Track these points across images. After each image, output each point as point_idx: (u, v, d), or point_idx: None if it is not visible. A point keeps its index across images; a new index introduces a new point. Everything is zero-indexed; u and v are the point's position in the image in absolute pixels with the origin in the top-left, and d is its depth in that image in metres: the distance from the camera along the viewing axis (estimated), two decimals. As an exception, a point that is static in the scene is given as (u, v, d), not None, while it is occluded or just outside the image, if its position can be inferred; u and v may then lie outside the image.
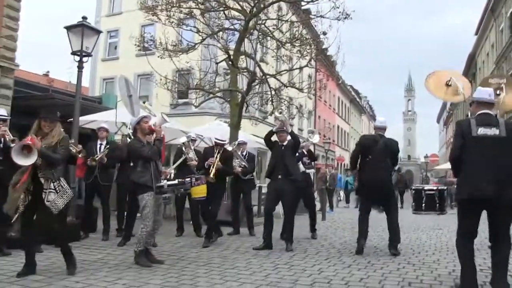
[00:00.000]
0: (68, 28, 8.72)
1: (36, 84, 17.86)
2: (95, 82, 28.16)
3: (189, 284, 4.67)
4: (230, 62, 12.59)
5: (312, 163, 9.66)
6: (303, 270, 5.54)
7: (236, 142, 9.21)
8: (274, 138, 7.65)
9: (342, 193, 24.70)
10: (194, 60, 13.59)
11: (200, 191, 6.41)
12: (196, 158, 8.32)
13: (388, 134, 7.33)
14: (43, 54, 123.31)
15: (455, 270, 5.59)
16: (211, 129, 12.86)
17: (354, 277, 5.18)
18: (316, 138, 8.99)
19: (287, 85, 14.14)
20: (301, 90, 14.36)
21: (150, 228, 5.68)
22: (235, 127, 12.27)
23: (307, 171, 9.18)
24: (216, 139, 8.03)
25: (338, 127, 48.59)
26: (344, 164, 46.22)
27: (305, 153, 9.14)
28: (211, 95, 13.68)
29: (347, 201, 23.30)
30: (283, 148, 7.39)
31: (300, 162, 8.92)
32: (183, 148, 8.48)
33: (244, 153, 9.27)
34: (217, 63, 13.73)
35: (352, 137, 56.17)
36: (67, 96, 14.59)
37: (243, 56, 13.53)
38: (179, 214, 8.87)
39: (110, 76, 26.98)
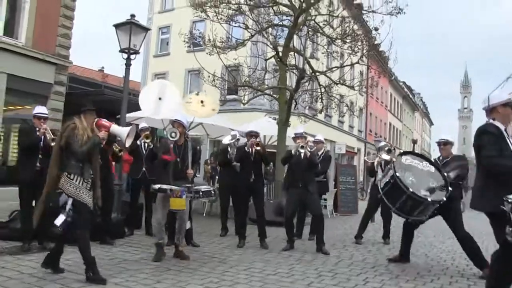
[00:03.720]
0: (117, 26, 8.79)
1: (91, 80, 18.44)
2: (147, 78, 28.72)
3: (228, 290, 4.53)
4: (278, 59, 12.41)
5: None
6: (347, 279, 5.29)
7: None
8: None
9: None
10: (242, 57, 13.47)
11: (179, 203, 5.73)
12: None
13: (442, 131, 6.70)
14: (102, 50, 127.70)
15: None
16: (259, 125, 12.69)
17: (402, 290, 4.88)
18: (385, 156, 8.42)
19: (337, 82, 13.80)
20: (352, 87, 14.00)
21: (155, 222, 6.00)
22: (283, 124, 12.11)
23: None
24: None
25: (390, 124, 47.31)
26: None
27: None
28: (259, 92, 13.54)
29: None
30: (302, 157, 7.12)
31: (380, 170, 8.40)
32: (229, 149, 8.42)
33: (320, 152, 8.72)
34: (266, 60, 13.57)
35: (404, 135, 54.59)
36: (119, 92, 14.88)
37: (292, 53, 13.31)
38: (224, 212, 8.77)
39: (162, 72, 27.50)
